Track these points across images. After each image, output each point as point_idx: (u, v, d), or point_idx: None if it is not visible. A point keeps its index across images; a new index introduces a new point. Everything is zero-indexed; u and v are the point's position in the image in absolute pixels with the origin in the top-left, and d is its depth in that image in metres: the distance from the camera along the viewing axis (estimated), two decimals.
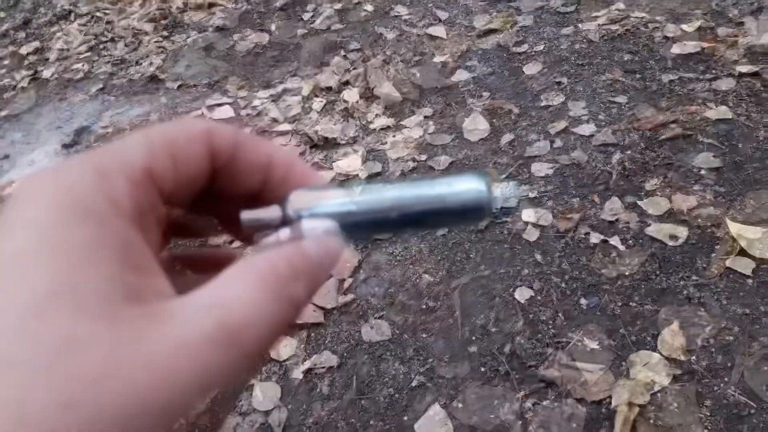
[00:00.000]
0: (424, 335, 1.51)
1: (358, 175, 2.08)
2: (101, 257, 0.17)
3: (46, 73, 3.54)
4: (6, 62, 3.81)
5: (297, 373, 1.49)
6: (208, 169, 0.22)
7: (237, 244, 0.27)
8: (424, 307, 1.58)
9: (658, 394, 1.27)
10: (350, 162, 2.15)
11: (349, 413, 1.39)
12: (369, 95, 2.50)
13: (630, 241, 1.60)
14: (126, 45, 3.55)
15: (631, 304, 1.45)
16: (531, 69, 2.37)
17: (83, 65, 3.51)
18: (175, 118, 2.74)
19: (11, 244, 0.17)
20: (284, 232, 0.23)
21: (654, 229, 1.60)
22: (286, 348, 1.55)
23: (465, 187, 0.25)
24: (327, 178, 2.10)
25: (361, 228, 0.24)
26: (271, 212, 0.24)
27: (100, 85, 3.24)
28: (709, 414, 1.21)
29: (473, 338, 1.47)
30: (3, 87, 3.55)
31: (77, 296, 0.16)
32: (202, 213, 0.26)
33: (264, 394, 1.46)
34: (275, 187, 0.25)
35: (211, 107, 2.77)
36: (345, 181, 2.07)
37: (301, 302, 0.20)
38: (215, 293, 0.18)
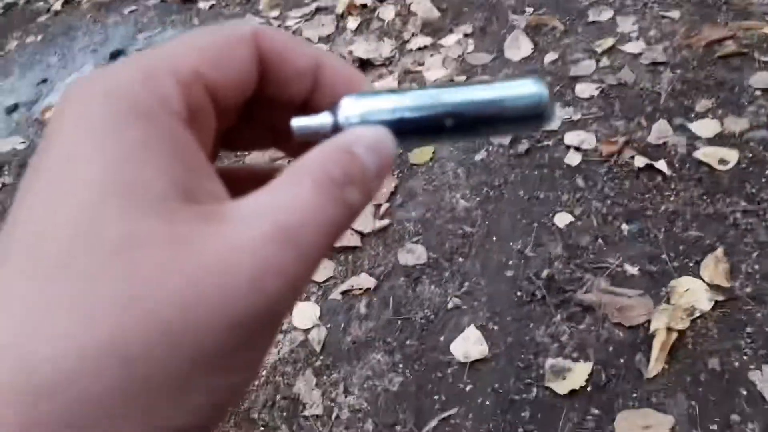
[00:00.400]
0: (460, 259, 1.51)
1: None
2: (154, 155, 0.17)
3: None
4: None
5: (335, 294, 1.52)
6: (256, 73, 0.21)
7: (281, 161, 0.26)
8: (460, 231, 1.57)
9: (698, 320, 1.25)
10: (385, 84, 2.10)
11: (386, 333, 1.42)
12: (406, 12, 2.40)
13: (677, 165, 1.54)
14: None
15: (674, 230, 1.41)
16: None
17: None
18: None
19: (62, 145, 0.17)
20: None
21: (703, 153, 1.53)
22: (324, 270, 1.57)
23: (524, 90, 0.23)
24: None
25: (414, 134, 0.23)
26: (322, 119, 0.23)
27: (133, 7, 3.20)
28: (749, 341, 1.20)
29: (510, 263, 1.46)
30: (37, 11, 3.54)
31: (133, 194, 0.16)
32: (252, 123, 0.25)
33: (303, 312, 1.50)
34: (325, 94, 0.24)
35: None
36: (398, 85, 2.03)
37: (356, 207, 0.20)
38: (270, 196, 0.18)
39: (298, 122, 0.23)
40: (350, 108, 0.23)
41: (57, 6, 3.46)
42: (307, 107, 0.24)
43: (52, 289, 0.16)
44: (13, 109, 2.74)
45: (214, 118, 0.21)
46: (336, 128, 0.23)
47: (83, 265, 0.16)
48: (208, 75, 0.19)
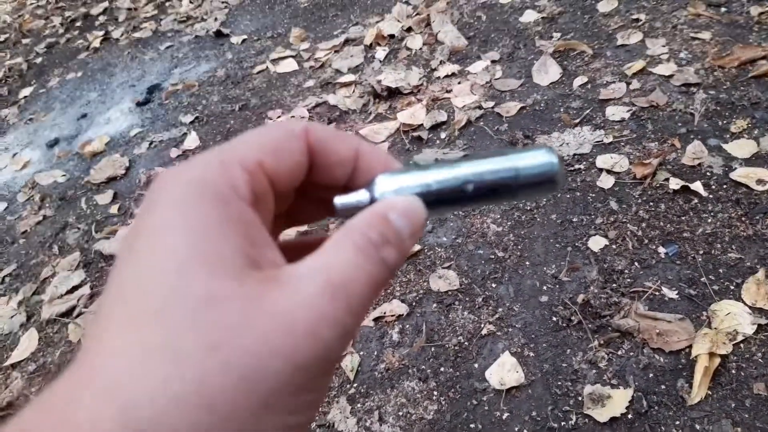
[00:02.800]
0: (493, 285, 1.50)
1: (422, 125, 2.05)
2: (227, 231, 0.20)
3: (116, 33, 3.64)
4: (79, 23, 3.94)
5: (368, 321, 1.52)
6: (307, 161, 0.25)
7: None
8: (492, 257, 1.56)
9: (741, 344, 1.21)
10: (414, 112, 2.12)
11: (420, 360, 1.41)
12: (433, 41, 2.44)
13: (713, 187, 1.51)
14: (190, 2, 3.59)
15: (713, 252, 1.38)
16: (605, 6, 2.24)
17: (151, 24, 3.59)
18: (240, 72, 2.77)
19: (155, 220, 0.21)
20: None
21: (740, 174, 1.51)
22: None
23: (537, 160, 0.26)
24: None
25: (439, 202, 0.26)
26: (360, 195, 0.27)
27: (169, 43, 3.31)
28: None
29: (544, 288, 1.45)
30: (77, 48, 3.69)
31: (211, 261, 0.20)
32: (306, 201, 0.29)
33: None
34: (363, 175, 0.27)
35: (275, 61, 2.78)
36: (426, 113, 2.04)
37: (393, 264, 0.23)
38: (320, 259, 0.22)
39: (340, 200, 0.27)
40: (384, 184, 0.26)
41: (96, 43, 3.60)
42: (349, 187, 0.27)
43: (148, 337, 0.19)
44: (54, 143, 2.84)
45: (272, 200, 0.24)
46: (372, 202, 0.26)
47: (173, 318, 0.19)
48: (268, 165, 0.23)
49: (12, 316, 1.98)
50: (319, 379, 0.21)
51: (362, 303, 0.21)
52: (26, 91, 3.44)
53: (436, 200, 0.26)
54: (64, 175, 2.57)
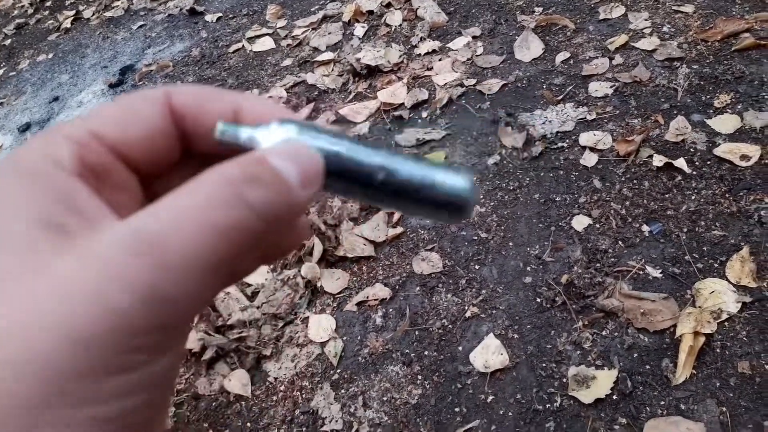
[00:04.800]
0: (476, 266, 1.48)
1: (403, 103, 2.01)
2: (27, 203, 0.18)
3: (87, 13, 3.53)
4: (48, 3, 3.81)
5: (350, 306, 1.49)
6: (172, 127, 0.22)
7: None
8: (475, 238, 1.54)
9: (726, 323, 1.21)
10: (395, 90, 2.08)
11: (404, 344, 1.39)
12: (413, 17, 2.38)
13: (697, 163, 1.49)
14: None
15: (697, 229, 1.37)
16: None
17: (122, 2, 3.48)
18: (216, 51, 2.70)
19: None
20: None
21: (723, 149, 1.49)
22: (338, 281, 1.55)
23: (456, 180, 0.24)
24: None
25: (339, 176, 0.22)
26: (247, 130, 0.22)
27: (142, 22, 3.21)
28: None
29: (528, 269, 1.43)
30: (47, 29, 3.57)
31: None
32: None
33: (319, 325, 1.48)
34: None
35: (251, 39, 2.71)
36: (407, 92, 2.00)
37: (262, 208, 0.18)
38: (146, 210, 0.18)
39: (222, 126, 0.22)
40: (278, 131, 0.22)
41: (67, 24, 3.49)
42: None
43: None
44: (26, 128, 2.75)
45: (125, 171, 0.21)
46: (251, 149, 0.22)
47: None
48: (107, 134, 0.21)
49: None
50: (123, 356, 0.16)
51: (197, 257, 0.17)
52: None
53: (337, 172, 0.22)
54: None
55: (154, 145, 0.22)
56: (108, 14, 3.43)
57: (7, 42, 3.62)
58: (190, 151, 0.23)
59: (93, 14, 3.50)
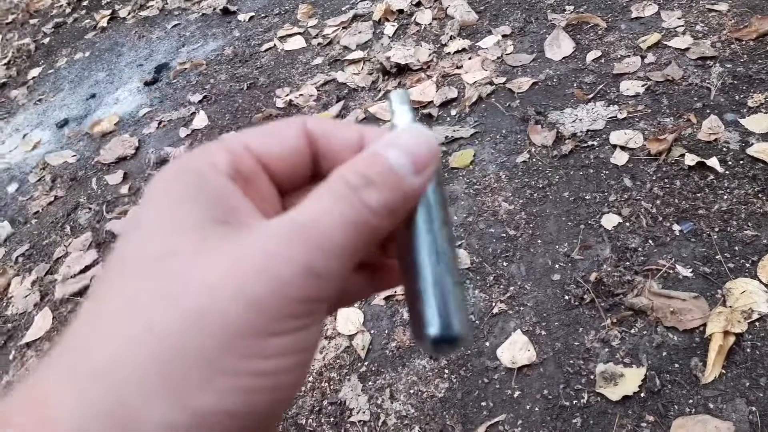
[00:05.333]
0: (504, 263, 1.49)
1: (432, 101, 2.02)
2: (195, 198, 0.22)
3: (123, 12, 3.62)
4: (85, 3, 3.91)
5: (378, 300, 1.51)
6: (307, 148, 0.26)
7: None
8: (504, 235, 1.55)
9: (757, 323, 1.20)
10: (424, 88, 2.09)
11: None
12: (443, 16, 2.39)
13: (729, 163, 1.48)
14: None
15: (728, 229, 1.36)
16: None
17: (157, 2, 3.56)
18: (248, 50, 2.75)
19: (142, 207, 0.23)
20: None
21: (757, 149, 1.47)
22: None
23: (436, 323, 0.23)
24: None
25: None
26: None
27: (176, 22, 3.28)
28: None
29: (556, 266, 1.43)
30: (84, 28, 3.67)
31: (173, 223, 0.21)
32: None
33: (347, 318, 1.50)
34: None
35: (282, 38, 2.75)
36: (436, 89, 2.02)
37: (378, 206, 0.22)
38: (296, 208, 0.22)
39: (395, 93, 0.26)
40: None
41: (103, 23, 3.58)
42: None
43: (115, 304, 0.20)
44: (63, 123, 2.84)
45: (267, 180, 0.25)
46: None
47: (134, 277, 0.20)
48: (256, 147, 0.25)
49: (26, 296, 2.00)
50: (283, 321, 0.20)
51: (337, 245, 0.21)
52: (35, 72, 3.43)
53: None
54: (74, 156, 2.58)
55: (291, 161, 0.25)
56: (143, 14, 3.51)
57: (46, 40, 3.73)
58: (318, 173, 0.27)
59: (128, 13, 3.59)
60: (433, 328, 0.23)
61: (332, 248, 0.21)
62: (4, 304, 2.03)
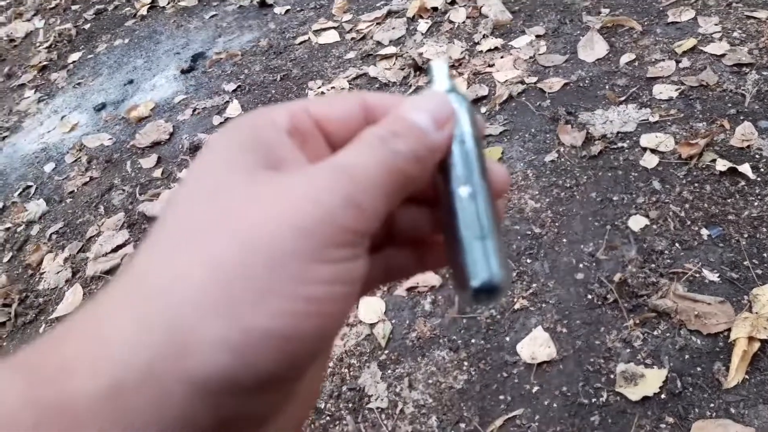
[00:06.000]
0: (528, 260, 1.49)
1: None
2: (249, 147, 0.24)
3: (162, 2, 3.69)
4: None
5: (400, 291, 1.53)
6: (361, 115, 0.28)
7: None
8: (528, 232, 1.55)
9: None
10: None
11: (451, 331, 1.42)
12: (476, 14, 2.40)
13: (762, 169, 1.46)
14: None
15: (758, 235, 1.35)
16: None
17: None
18: (283, 42, 2.78)
19: (202, 153, 0.25)
20: None
21: None
22: None
23: (482, 267, 0.25)
24: None
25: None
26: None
27: (213, 12, 3.34)
28: None
29: (580, 265, 1.44)
30: (124, 16, 3.75)
31: (229, 164, 0.23)
32: None
33: (369, 306, 1.52)
34: None
35: (317, 32, 2.78)
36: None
37: (407, 152, 0.24)
38: (337, 154, 0.24)
39: (437, 62, 0.29)
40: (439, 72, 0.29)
41: (143, 11, 3.65)
42: None
43: (174, 237, 0.22)
44: (101, 107, 2.91)
45: (323, 140, 0.27)
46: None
47: (192, 210, 0.22)
48: (315, 112, 0.27)
49: (58, 272, 2.06)
50: (329, 249, 0.21)
51: (374, 179, 0.23)
52: (75, 56, 3.52)
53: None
54: (110, 139, 2.64)
55: (346, 125, 0.27)
56: (182, 3, 3.57)
57: (87, 26, 3.82)
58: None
59: (168, 3, 3.66)
60: (475, 280, 0.25)
61: (369, 184, 0.23)
62: (37, 279, 2.10)
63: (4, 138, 3.06)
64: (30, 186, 2.57)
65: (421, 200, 0.29)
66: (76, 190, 2.41)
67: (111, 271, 1.95)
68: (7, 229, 2.39)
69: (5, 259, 2.24)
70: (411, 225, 0.30)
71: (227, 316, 0.19)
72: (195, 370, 0.19)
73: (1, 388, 0.19)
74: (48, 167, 2.65)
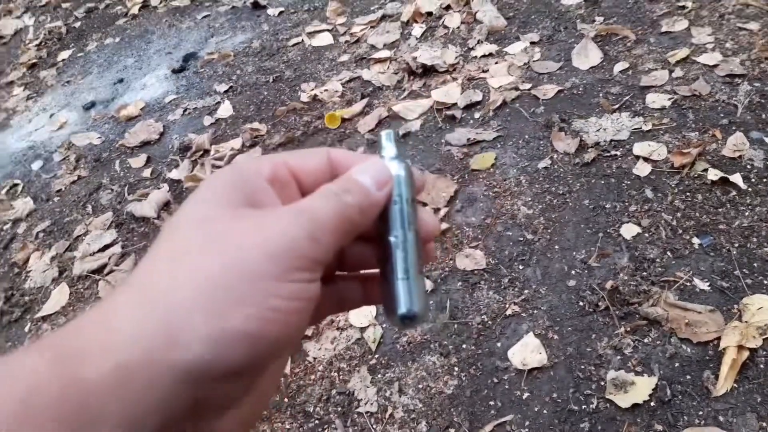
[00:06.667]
0: (520, 266, 1.49)
1: (456, 103, 2.04)
2: (236, 189, 0.30)
3: (154, 1, 3.66)
4: None
5: None
6: (327, 168, 0.34)
7: None
8: (521, 239, 1.55)
9: None
10: (449, 90, 2.10)
11: (442, 336, 1.41)
12: (471, 20, 2.41)
13: (753, 180, 1.47)
14: None
15: (748, 245, 1.36)
16: None
17: None
18: (276, 44, 2.77)
19: (200, 188, 0.31)
20: None
21: None
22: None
23: (404, 299, 0.32)
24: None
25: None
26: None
27: (206, 13, 3.32)
28: None
29: (572, 272, 1.44)
30: (115, 14, 3.73)
31: (217, 201, 0.29)
32: None
33: (359, 311, 1.51)
34: None
35: (310, 34, 2.78)
36: (461, 92, 2.03)
37: (354, 204, 0.31)
38: (301, 201, 0.31)
39: (384, 135, 0.36)
40: (387, 145, 0.36)
41: (134, 10, 3.63)
42: None
43: (171, 253, 0.28)
44: (90, 106, 2.88)
45: (296, 187, 0.33)
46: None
47: (186, 235, 0.28)
48: (291, 163, 0.33)
49: (44, 270, 2.04)
50: (292, 272, 0.27)
51: (328, 221, 0.29)
52: (65, 54, 3.49)
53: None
54: (99, 138, 2.61)
55: (315, 174, 0.34)
56: (174, 3, 3.55)
57: (77, 24, 3.78)
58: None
59: (160, 2, 3.63)
60: (401, 309, 0.32)
61: (324, 224, 0.29)
62: (23, 277, 2.07)
63: None
64: (17, 184, 2.54)
65: (368, 238, 0.35)
66: (63, 189, 2.38)
67: (98, 271, 1.93)
68: None
69: None
70: (359, 258, 0.36)
71: (210, 318, 0.25)
72: (181, 359, 0.24)
73: (34, 362, 0.24)
74: (36, 165, 2.62)
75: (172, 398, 0.24)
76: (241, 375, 0.27)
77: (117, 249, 1.98)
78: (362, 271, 0.37)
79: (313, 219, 0.29)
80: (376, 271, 0.35)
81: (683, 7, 2.07)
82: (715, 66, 1.81)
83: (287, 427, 1.36)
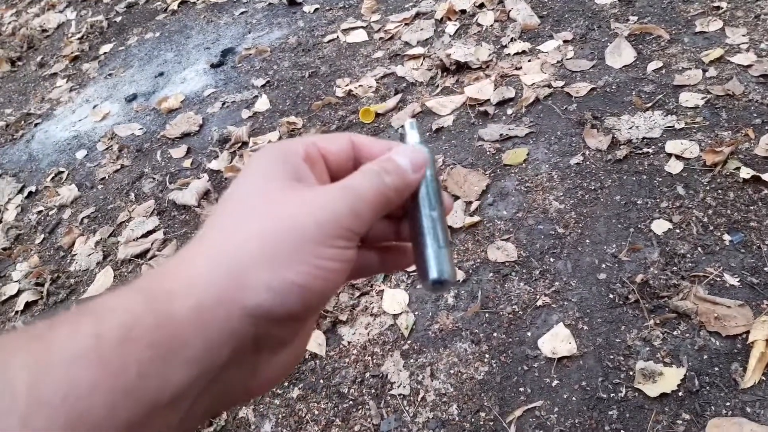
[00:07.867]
0: (551, 259, 1.53)
1: (489, 100, 2.07)
2: (282, 166, 0.35)
3: None
4: None
5: None
6: (352, 151, 0.39)
7: None
8: (552, 232, 1.59)
9: None
10: (482, 87, 2.14)
11: (473, 324, 1.46)
12: (505, 18, 2.44)
13: None
14: None
15: None
16: None
17: None
18: (311, 40, 2.83)
19: (247, 166, 0.36)
20: None
21: None
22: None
23: (436, 265, 0.36)
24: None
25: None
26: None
27: (243, 9, 3.40)
28: None
29: (603, 266, 1.47)
30: (156, 10, 3.83)
31: (268, 177, 0.34)
32: None
33: (393, 298, 1.56)
34: None
35: (345, 31, 2.83)
36: (494, 89, 2.07)
37: (392, 185, 0.35)
38: (344, 178, 0.35)
39: (408, 124, 0.42)
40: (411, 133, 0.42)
41: (174, 6, 3.73)
42: None
43: (233, 217, 0.33)
44: (132, 98, 2.98)
45: (324, 166, 0.38)
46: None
47: (245, 205, 0.33)
48: (320, 144, 0.38)
49: (89, 254, 2.13)
50: (334, 239, 0.32)
51: (369, 198, 0.34)
52: (106, 48, 3.60)
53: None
54: (141, 129, 2.71)
55: (340, 156, 0.39)
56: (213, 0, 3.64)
57: (118, 19, 3.90)
58: (357, 167, 0.39)
59: None
60: (433, 274, 0.36)
61: (365, 200, 0.33)
62: (68, 260, 2.16)
63: (36, 124, 3.15)
64: (62, 171, 2.65)
65: (390, 217, 0.40)
66: (107, 177, 2.48)
67: (141, 255, 2.01)
68: (40, 212, 2.47)
69: (38, 241, 2.31)
70: (381, 233, 0.41)
71: (270, 270, 0.30)
72: (248, 300, 0.29)
73: (131, 299, 0.28)
74: (80, 154, 2.72)
75: (240, 333, 0.29)
76: (292, 319, 0.32)
77: (159, 235, 2.06)
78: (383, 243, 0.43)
79: (356, 195, 0.33)
80: (392, 243, 0.41)
81: (718, 8, 2.08)
82: (749, 66, 1.82)
83: (323, 406, 1.42)
